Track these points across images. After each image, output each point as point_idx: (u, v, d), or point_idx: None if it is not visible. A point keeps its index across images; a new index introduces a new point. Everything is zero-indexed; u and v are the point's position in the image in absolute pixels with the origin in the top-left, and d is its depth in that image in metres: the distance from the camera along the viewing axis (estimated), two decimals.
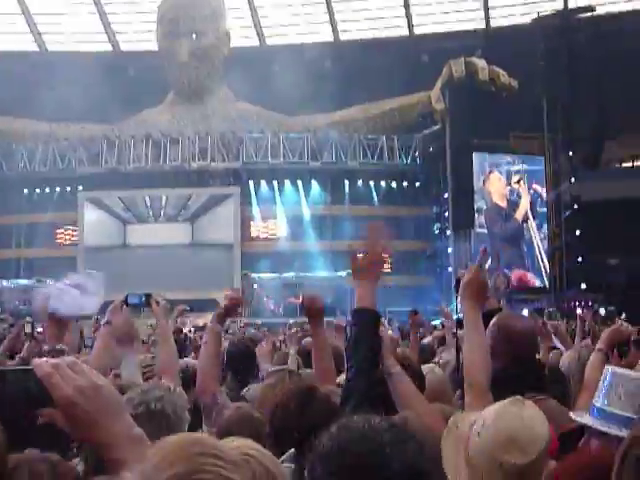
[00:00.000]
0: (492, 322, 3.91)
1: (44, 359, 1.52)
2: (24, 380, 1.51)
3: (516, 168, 34.72)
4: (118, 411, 1.55)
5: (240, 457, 1.53)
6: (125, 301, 4.71)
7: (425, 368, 4.58)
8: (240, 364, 5.86)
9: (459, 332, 6.17)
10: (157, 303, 4.80)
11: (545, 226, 35.10)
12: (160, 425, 3.03)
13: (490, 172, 34.34)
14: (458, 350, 4.41)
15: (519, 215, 34.55)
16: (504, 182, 34.53)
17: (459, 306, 3.72)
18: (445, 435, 2.51)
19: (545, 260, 34.96)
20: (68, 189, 35.93)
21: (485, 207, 34.32)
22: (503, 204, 34.50)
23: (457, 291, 3.71)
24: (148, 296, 4.79)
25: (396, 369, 3.30)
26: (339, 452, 1.73)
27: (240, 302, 4.54)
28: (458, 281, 3.76)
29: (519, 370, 3.67)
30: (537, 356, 4.35)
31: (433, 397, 3.90)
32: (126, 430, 1.54)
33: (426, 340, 9.84)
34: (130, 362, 4.51)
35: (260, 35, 41.54)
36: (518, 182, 34.58)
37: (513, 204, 34.60)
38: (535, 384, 3.68)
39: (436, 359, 7.11)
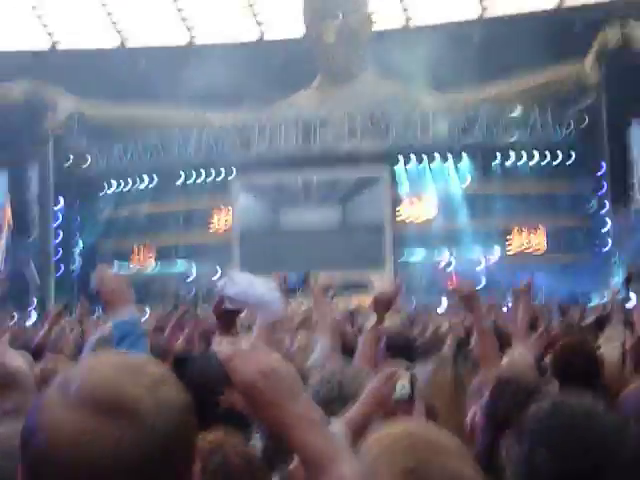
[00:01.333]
0: None
1: (225, 342, 1.52)
2: (206, 364, 1.51)
3: None
4: (297, 392, 1.52)
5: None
6: (284, 280, 4.66)
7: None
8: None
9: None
10: (315, 281, 4.75)
11: None
12: None
13: None
14: (627, 325, 4.14)
15: None
16: None
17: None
18: None
19: None
20: (222, 175, 36.80)
21: None
22: None
23: (627, 286, 3.51)
24: (306, 274, 4.75)
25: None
26: (563, 428, 1.66)
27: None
28: (630, 276, 3.56)
29: None
30: None
31: (611, 378, 3.68)
32: (305, 411, 1.50)
33: (588, 320, 9.60)
34: (323, 346, 4.41)
35: (405, 16, 41.23)
36: None
37: None
38: None
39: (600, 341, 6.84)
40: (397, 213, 35.79)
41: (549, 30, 33.89)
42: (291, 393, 1.49)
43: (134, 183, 38.16)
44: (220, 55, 34.78)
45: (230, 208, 37.10)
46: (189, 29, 42.30)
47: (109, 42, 42.37)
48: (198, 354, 1.49)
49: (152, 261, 37.75)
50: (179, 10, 41.37)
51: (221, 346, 1.48)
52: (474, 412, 3.10)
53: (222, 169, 36.67)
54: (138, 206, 37.05)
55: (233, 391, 1.46)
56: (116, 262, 33.39)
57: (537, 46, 32.21)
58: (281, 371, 1.50)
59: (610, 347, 4.70)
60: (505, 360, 4.67)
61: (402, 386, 2.80)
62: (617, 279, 27.44)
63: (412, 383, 2.82)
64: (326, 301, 4.95)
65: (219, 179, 36.92)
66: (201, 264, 35.24)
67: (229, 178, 36.80)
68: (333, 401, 2.75)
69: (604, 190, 33.55)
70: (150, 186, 37.81)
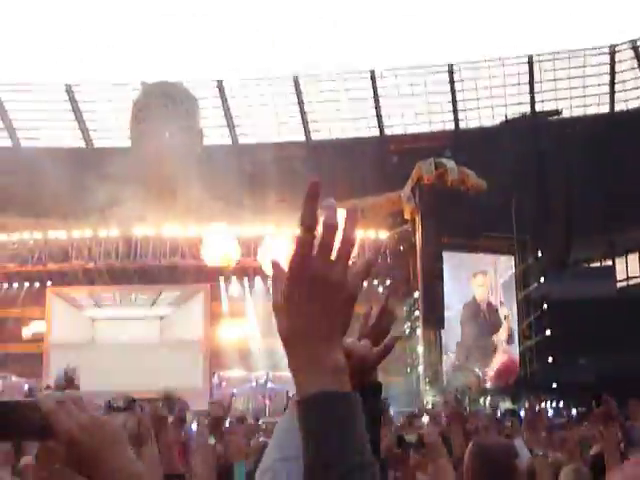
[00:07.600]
0: (469, 446, 3.87)
1: (49, 393, 1.54)
2: (30, 413, 1.52)
3: (487, 270, 35.06)
4: (120, 447, 1.54)
5: None
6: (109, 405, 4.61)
7: None
8: None
9: None
10: (141, 409, 4.69)
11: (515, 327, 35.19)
12: None
13: (475, 274, 34.71)
14: None
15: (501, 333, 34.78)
16: (488, 287, 34.90)
17: None
18: None
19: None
20: (37, 284, 35.58)
21: (465, 303, 34.47)
22: (483, 307, 34.72)
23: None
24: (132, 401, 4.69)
25: None
26: None
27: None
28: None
29: None
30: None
31: None
32: (127, 465, 1.53)
33: None
34: None
35: (232, 134, 42.07)
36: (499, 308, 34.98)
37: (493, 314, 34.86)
38: None
39: None
40: (216, 330, 35.52)
41: (369, 160, 35.34)
42: (112, 447, 1.50)
43: None
44: (43, 160, 34.32)
45: (44, 318, 35.70)
46: (15, 130, 41.66)
47: None
48: (22, 401, 1.43)
49: None
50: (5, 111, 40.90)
51: (46, 397, 1.49)
52: None
53: (37, 278, 35.49)
54: None
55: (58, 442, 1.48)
56: None
57: (358, 175, 33.50)
58: (104, 425, 1.52)
59: None
60: None
61: None
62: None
63: None
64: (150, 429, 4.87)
65: (34, 288, 35.64)
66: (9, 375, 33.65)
67: (44, 287, 35.51)
68: None
69: (417, 313, 34.55)
70: None
